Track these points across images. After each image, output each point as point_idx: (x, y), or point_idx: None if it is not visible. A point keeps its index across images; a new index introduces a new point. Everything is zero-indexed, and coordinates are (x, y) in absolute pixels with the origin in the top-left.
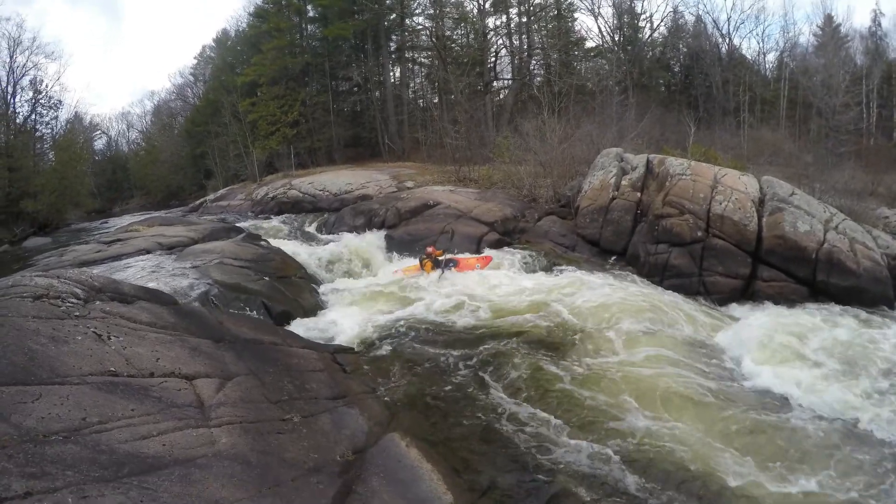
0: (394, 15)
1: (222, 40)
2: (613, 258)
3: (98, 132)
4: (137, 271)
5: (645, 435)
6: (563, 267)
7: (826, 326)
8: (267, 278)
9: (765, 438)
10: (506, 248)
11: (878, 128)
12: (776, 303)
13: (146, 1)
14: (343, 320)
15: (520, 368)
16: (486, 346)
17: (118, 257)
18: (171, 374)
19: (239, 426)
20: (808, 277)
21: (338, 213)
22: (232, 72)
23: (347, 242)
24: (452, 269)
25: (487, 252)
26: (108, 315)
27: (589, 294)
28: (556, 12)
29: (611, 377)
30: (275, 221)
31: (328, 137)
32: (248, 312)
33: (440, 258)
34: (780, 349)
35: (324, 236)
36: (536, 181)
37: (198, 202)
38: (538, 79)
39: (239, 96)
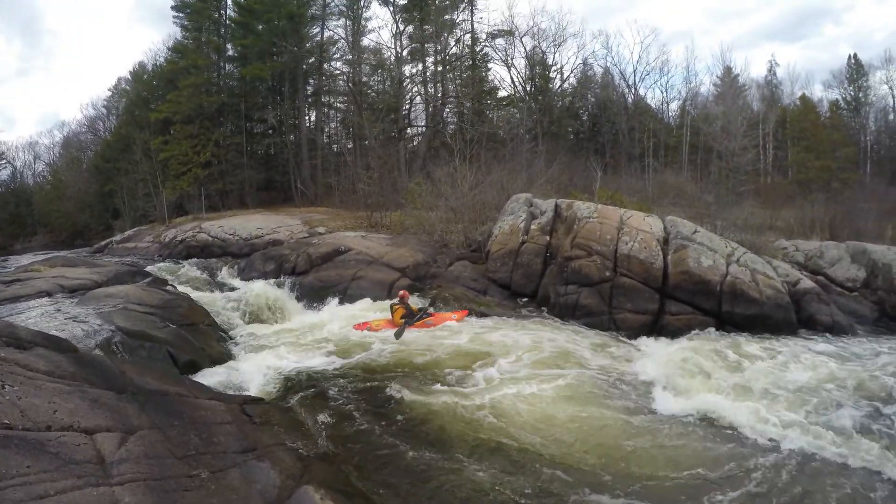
0: (312, 59)
1: (139, 73)
2: (524, 300)
3: (3, 161)
4: (36, 315)
5: (560, 464)
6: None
7: (732, 353)
8: (173, 325)
9: (676, 458)
10: (416, 295)
11: (773, 167)
12: (684, 335)
13: (67, 24)
14: (252, 369)
15: (433, 411)
16: (400, 391)
17: (16, 299)
18: (69, 427)
19: (143, 484)
20: (714, 309)
21: (248, 259)
22: (146, 107)
23: (257, 289)
24: (427, 318)
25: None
26: (3, 362)
27: (502, 336)
28: (471, 62)
29: (525, 414)
30: (183, 265)
31: (240, 180)
32: (153, 361)
33: (415, 312)
34: (689, 377)
35: (233, 282)
36: (448, 227)
37: (103, 242)
38: (451, 126)
39: (151, 133)
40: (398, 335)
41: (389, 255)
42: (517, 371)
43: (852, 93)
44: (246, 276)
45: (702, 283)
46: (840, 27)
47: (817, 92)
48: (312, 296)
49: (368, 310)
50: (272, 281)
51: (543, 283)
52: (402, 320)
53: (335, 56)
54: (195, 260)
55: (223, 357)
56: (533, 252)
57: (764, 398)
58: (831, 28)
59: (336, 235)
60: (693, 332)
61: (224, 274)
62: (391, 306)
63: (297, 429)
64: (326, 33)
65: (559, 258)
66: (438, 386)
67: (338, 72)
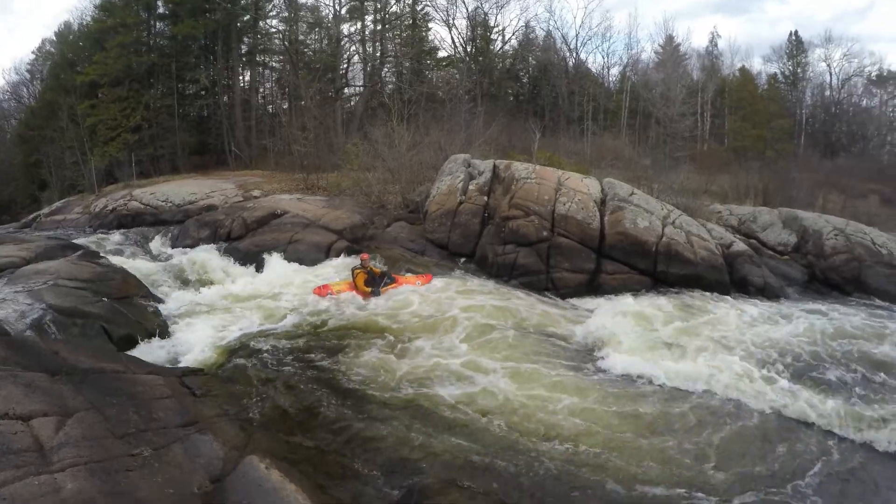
0: (247, 16)
1: (64, 34)
2: (462, 260)
3: None
4: None
5: (512, 427)
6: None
7: (668, 313)
8: (106, 300)
9: (630, 415)
10: (354, 256)
11: (711, 134)
12: (620, 293)
13: None
14: (191, 340)
15: (376, 373)
16: (341, 355)
17: None
18: (4, 415)
19: (84, 468)
20: (649, 268)
21: (182, 226)
22: (72, 70)
23: (192, 256)
24: (388, 286)
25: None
26: None
27: (447, 299)
28: (411, 21)
29: (475, 379)
30: (115, 236)
31: (172, 144)
32: (87, 339)
33: (377, 275)
34: (630, 336)
35: (167, 250)
36: (385, 188)
37: (30, 217)
38: (389, 86)
39: (78, 97)
40: (374, 294)
41: (326, 217)
42: (463, 335)
43: (791, 68)
44: (180, 243)
45: (638, 244)
46: (784, 5)
47: (756, 65)
48: (249, 261)
49: (295, 272)
50: (207, 247)
51: (481, 244)
52: (366, 286)
53: (271, 13)
54: (128, 229)
55: (160, 329)
56: (471, 212)
57: (701, 354)
58: (775, 6)
59: (272, 199)
60: (629, 292)
61: (157, 243)
62: (352, 270)
63: (239, 398)
64: None
65: (497, 218)
66: (384, 352)
67: (273, 30)
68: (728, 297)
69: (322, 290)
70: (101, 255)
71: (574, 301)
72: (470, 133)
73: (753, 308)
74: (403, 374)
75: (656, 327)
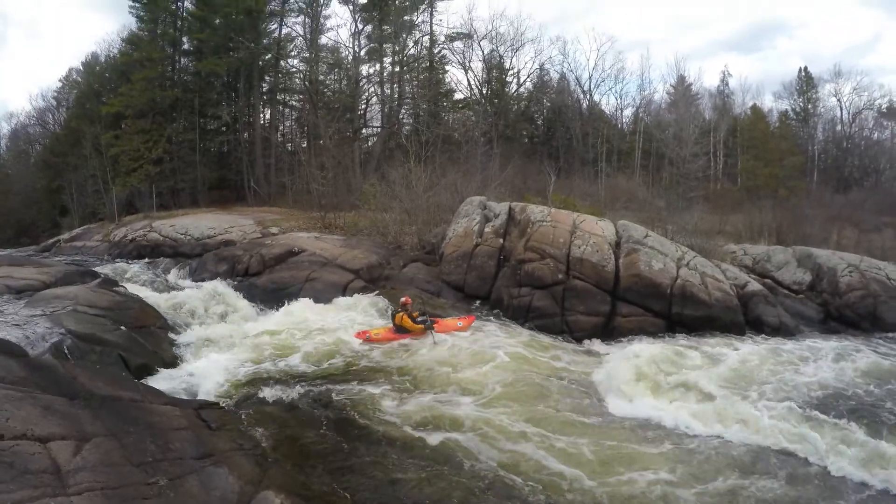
0: (269, 55)
1: (91, 65)
2: (478, 302)
3: None
4: None
5: (519, 466)
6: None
7: (683, 356)
8: (124, 328)
9: (629, 457)
10: (370, 295)
11: (724, 174)
12: (635, 335)
13: (17, 7)
14: (206, 373)
15: (393, 414)
16: (356, 394)
17: None
18: (22, 436)
19: (100, 493)
20: (664, 311)
21: (200, 259)
22: (97, 100)
23: (210, 290)
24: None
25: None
26: None
27: (464, 343)
28: (428, 64)
29: (489, 418)
30: (134, 266)
31: (193, 178)
32: (105, 365)
33: (423, 318)
34: (644, 380)
35: (185, 283)
36: (402, 228)
37: (51, 241)
38: (406, 128)
39: (102, 127)
40: (433, 342)
41: (343, 257)
42: (478, 379)
43: (801, 104)
44: (198, 276)
45: (653, 286)
46: (793, 41)
47: (768, 102)
48: (266, 297)
49: (312, 311)
50: (225, 282)
51: (497, 286)
52: (417, 323)
53: (292, 53)
54: (146, 260)
55: (176, 360)
56: (486, 254)
57: (714, 398)
58: (784, 42)
59: (290, 236)
60: (644, 334)
61: (175, 275)
62: (392, 314)
63: (254, 433)
64: (284, 30)
65: (513, 261)
66: (400, 393)
67: (294, 69)
68: (743, 338)
69: (362, 335)
70: (120, 283)
71: (588, 343)
72: (486, 175)
73: (767, 348)
74: (418, 416)
75: (669, 370)
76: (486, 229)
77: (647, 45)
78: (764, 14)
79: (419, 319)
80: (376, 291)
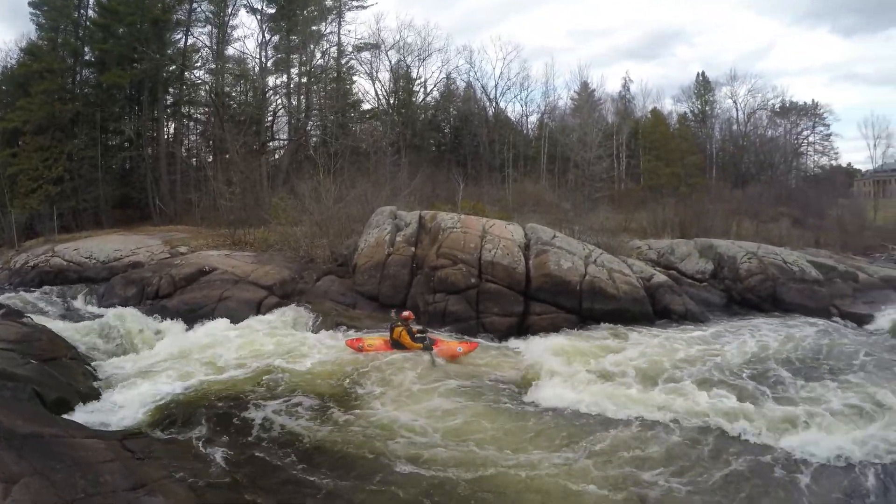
0: (174, 66)
1: None
2: (393, 311)
3: None
4: None
5: (459, 467)
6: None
7: (596, 346)
8: (35, 361)
9: (558, 443)
10: (292, 306)
11: (627, 174)
12: (549, 332)
13: None
14: (125, 402)
15: (321, 425)
16: (283, 410)
17: None
18: None
19: None
20: (575, 307)
21: (107, 284)
22: None
23: (120, 315)
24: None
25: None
26: None
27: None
28: (336, 74)
29: (414, 426)
30: (38, 294)
31: (95, 197)
32: (19, 402)
33: (422, 335)
34: (560, 372)
35: (94, 310)
36: (313, 242)
37: None
38: (314, 139)
39: None
40: (432, 362)
41: (255, 273)
42: (402, 386)
43: (700, 106)
44: (106, 302)
45: (563, 284)
46: (692, 48)
47: (668, 106)
48: (179, 319)
49: (227, 330)
50: (135, 306)
51: (411, 294)
52: (416, 342)
53: (198, 64)
54: (50, 287)
55: (93, 391)
56: (399, 263)
57: (620, 384)
58: (684, 49)
59: (199, 255)
60: (558, 330)
61: (83, 301)
62: (391, 326)
63: (182, 458)
64: (190, 40)
65: (425, 268)
66: (328, 405)
67: (200, 81)
68: (653, 327)
69: (354, 343)
70: (25, 314)
71: (505, 343)
72: (395, 185)
73: (676, 334)
74: (350, 426)
75: (584, 361)
76: (398, 238)
77: (552, 53)
78: (664, 23)
79: (418, 337)
80: (292, 306)
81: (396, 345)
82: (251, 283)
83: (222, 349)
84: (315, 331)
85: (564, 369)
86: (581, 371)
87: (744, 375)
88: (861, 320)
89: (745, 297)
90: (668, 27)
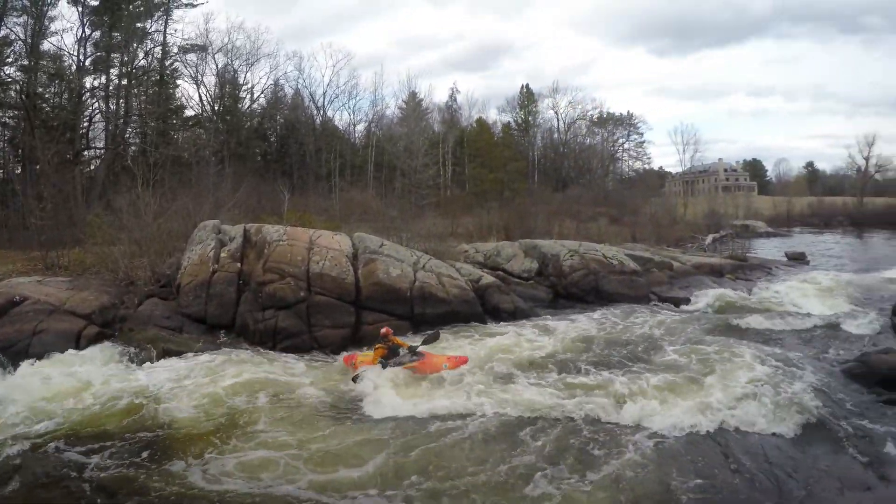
0: None
1: None
2: (223, 332)
3: None
4: None
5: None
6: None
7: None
8: None
9: (395, 453)
10: (107, 343)
11: (453, 181)
12: None
13: None
14: None
15: (145, 461)
16: (94, 453)
17: None
18: None
19: None
20: (407, 313)
21: None
22: None
23: None
24: (412, 364)
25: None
26: None
27: (196, 373)
28: (158, 77)
29: (250, 458)
30: None
31: None
32: None
33: (398, 346)
34: (395, 380)
35: None
36: (133, 262)
37: None
38: (133, 148)
39: None
40: (356, 379)
41: (72, 301)
42: (230, 413)
43: (523, 116)
44: None
45: (393, 291)
46: (519, 61)
47: (493, 115)
48: None
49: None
50: None
51: (240, 312)
52: (393, 357)
53: (9, 60)
54: None
55: None
56: (225, 281)
57: (458, 385)
58: (511, 62)
59: (8, 283)
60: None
61: None
62: (375, 346)
63: None
64: (2, 31)
65: (253, 284)
66: (153, 443)
67: (10, 79)
68: (486, 326)
69: (348, 360)
70: None
71: (339, 356)
72: (218, 197)
73: (507, 331)
74: (178, 458)
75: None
76: (223, 254)
77: (382, 62)
78: (494, 37)
79: (404, 354)
80: (114, 335)
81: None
82: (68, 311)
83: (49, 391)
84: (139, 363)
85: (400, 377)
86: (416, 377)
87: (576, 362)
88: (678, 303)
89: (570, 291)
90: (498, 41)
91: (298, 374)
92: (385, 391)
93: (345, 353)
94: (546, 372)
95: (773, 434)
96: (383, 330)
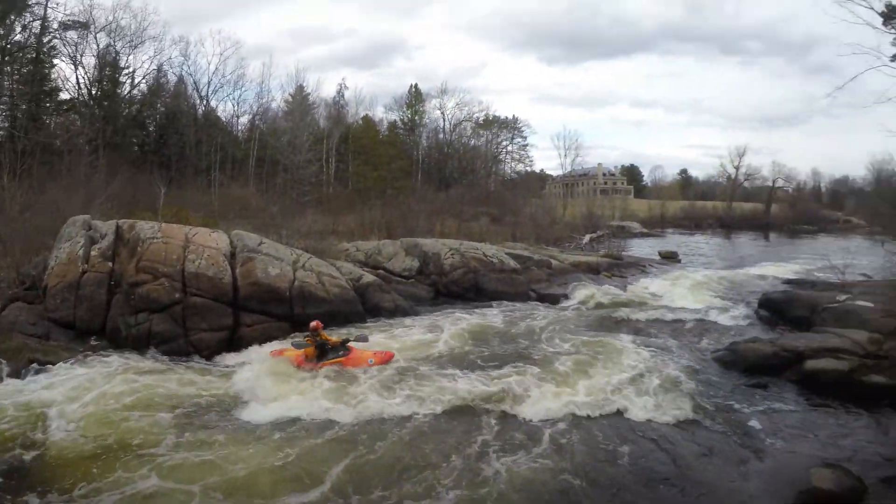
0: None
1: None
2: (93, 339)
3: None
4: None
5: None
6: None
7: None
8: None
9: (275, 459)
10: None
11: (336, 178)
12: (262, 342)
13: None
14: None
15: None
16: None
17: None
18: None
19: None
20: (287, 313)
21: None
22: None
23: None
24: (336, 360)
25: None
26: None
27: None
28: (34, 55)
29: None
30: None
31: None
32: None
33: (334, 345)
34: (275, 381)
35: None
36: None
37: None
38: (0, 133)
39: None
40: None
41: None
42: (100, 431)
43: (410, 115)
44: None
45: (271, 291)
46: (410, 61)
47: (379, 113)
48: None
49: None
50: None
51: (111, 315)
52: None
53: None
54: None
55: None
56: (96, 282)
57: (338, 385)
58: (402, 61)
59: None
60: (271, 339)
61: None
62: (305, 338)
63: None
64: None
65: (125, 285)
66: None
67: None
68: (366, 325)
69: (277, 354)
70: None
71: (218, 359)
72: (90, 189)
73: (387, 329)
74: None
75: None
76: (93, 252)
77: (271, 53)
78: (386, 35)
79: (333, 350)
80: None
81: (320, 358)
82: None
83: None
84: (1, 378)
85: (280, 378)
86: (293, 380)
87: (455, 358)
88: (556, 300)
89: (451, 289)
90: (391, 40)
91: (184, 383)
92: (259, 391)
93: (272, 348)
94: (431, 367)
95: (652, 418)
96: (312, 324)
